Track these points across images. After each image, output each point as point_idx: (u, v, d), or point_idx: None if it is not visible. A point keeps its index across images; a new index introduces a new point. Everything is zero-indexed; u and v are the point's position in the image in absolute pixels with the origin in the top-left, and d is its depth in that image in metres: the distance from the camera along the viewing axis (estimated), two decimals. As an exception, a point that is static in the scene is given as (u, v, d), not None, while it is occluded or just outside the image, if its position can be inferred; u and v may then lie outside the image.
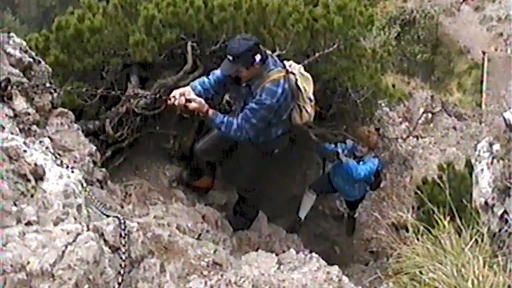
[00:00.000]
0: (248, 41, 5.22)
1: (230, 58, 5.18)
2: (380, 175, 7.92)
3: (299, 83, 5.57)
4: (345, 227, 9.11)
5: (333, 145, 7.65)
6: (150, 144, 6.86)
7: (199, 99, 5.31)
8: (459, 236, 3.82)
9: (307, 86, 5.70)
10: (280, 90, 5.25)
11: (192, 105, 5.26)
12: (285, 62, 5.65)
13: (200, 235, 5.47)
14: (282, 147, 6.00)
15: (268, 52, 5.52)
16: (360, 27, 7.09)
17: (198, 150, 6.20)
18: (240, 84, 5.49)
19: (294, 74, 5.55)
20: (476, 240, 3.72)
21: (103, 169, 5.20)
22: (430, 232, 3.99)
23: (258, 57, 5.18)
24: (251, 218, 6.72)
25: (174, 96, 5.28)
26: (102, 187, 4.96)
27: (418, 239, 3.95)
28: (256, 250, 5.24)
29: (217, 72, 5.57)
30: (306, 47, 6.86)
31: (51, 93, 4.78)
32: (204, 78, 5.60)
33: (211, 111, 5.38)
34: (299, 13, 6.68)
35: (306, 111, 5.70)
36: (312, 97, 5.78)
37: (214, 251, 4.43)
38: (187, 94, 5.29)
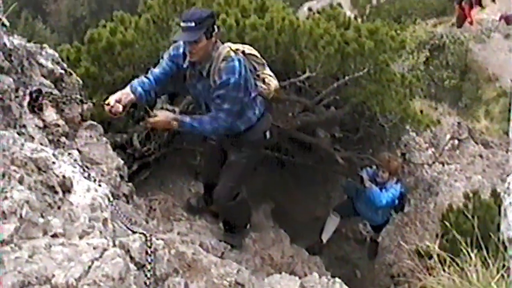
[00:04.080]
0: (206, 10, 4.96)
1: (192, 24, 4.63)
2: (404, 198, 7.86)
3: (247, 51, 5.21)
4: (367, 251, 9.05)
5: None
6: (176, 159, 6.88)
7: (164, 112, 4.94)
8: (486, 269, 3.78)
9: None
10: (236, 63, 4.83)
11: (157, 119, 4.81)
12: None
13: (223, 253, 5.46)
14: (269, 127, 5.47)
15: None
16: (391, 52, 7.09)
17: (222, 199, 5.54)
18: (186, 68, 5.04)
19: (238, 49, 5.10)
20: (502, 275, 3.67)
21: (130, 184, 5.22)
22: (454, 261, 3.95)
23: (216, 28, 4.83)
24: (242, 225, 6.16)
25: (108, 103, 4.58)
26: (128, 202, 4.98)
27: (444, 270, 3.91)
28: (279, 272, 5.21)
29: (157, 70, 5.03)
30: (336, 70, 6.87)
31: (79, 103, 4.81)
32: (143, 78, 4.94)
33: (178, 117, 4.96)
34: (331, 35, 6.68)
35: (270, 75, 5.35)
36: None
37: (237, 271, 4.40)
38: (124, 99, 4.67)
